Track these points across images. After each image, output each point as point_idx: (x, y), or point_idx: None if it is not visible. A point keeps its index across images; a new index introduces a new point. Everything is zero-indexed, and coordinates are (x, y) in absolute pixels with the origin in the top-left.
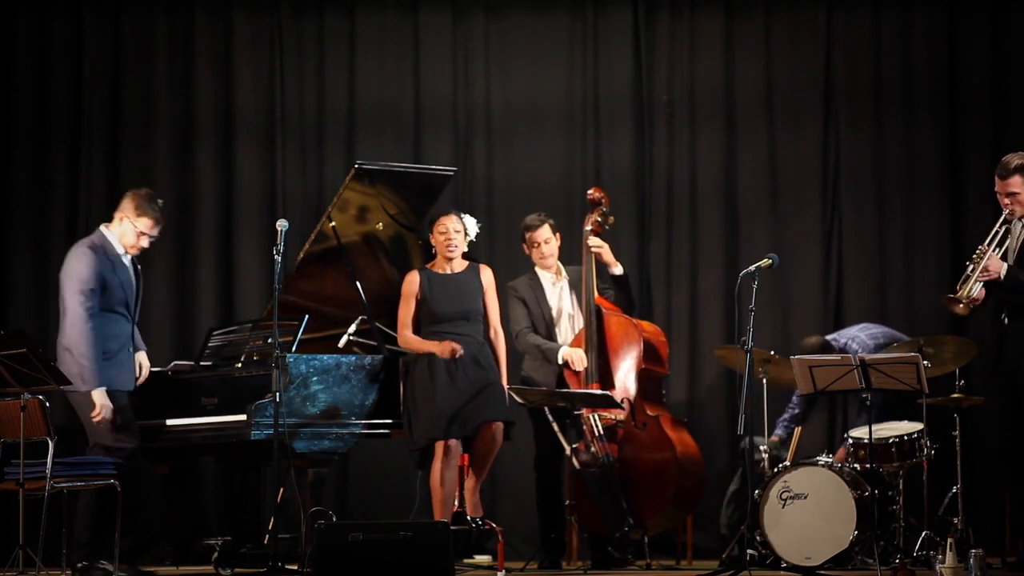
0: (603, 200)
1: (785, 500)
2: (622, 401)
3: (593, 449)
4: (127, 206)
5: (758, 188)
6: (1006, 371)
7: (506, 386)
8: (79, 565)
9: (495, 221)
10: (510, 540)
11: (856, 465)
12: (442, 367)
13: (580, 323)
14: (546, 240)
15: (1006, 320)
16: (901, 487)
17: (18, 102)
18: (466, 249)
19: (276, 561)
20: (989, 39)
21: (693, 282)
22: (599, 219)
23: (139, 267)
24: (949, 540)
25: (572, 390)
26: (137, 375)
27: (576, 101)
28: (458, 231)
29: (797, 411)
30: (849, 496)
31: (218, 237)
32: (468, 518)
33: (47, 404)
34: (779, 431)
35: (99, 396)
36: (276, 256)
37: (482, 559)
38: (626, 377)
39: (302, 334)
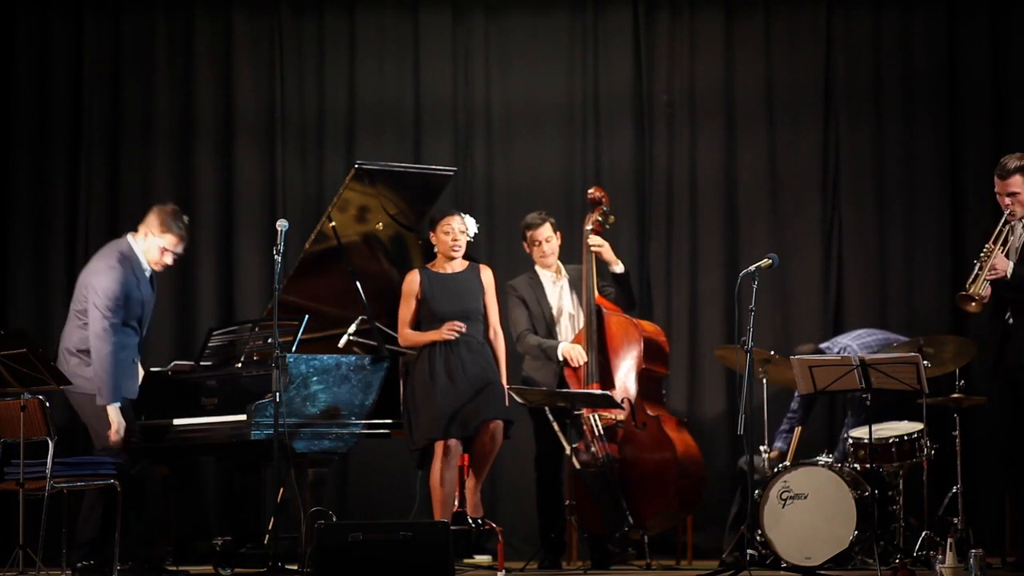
0: (603, 199)
1: (785, 500)
2: (622, 401)
3: (593, 449)
4: (152, 221)
5: (758, 188)
6: (1008, 371)
7: (506, 386)
8: (79, 565)
9: (495, 221)
10: (510, 540)
11: (856, 465)
12: (442, 367)
13: (581, 322)
14: (547, 239)
15: (1011, 320)
16: (901, 487)
17: (18, 102)
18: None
19: (276, 561)
20: (989, 39)
21: (693, 282)
22: (599, 218)
23: (155, 281)
24: (949, 540)
25: (572, 390)
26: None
27: (576, 101)
28: (463, 231)
29: (795, 420)
30: (849, 496)
31: (218, 237)
32: (468, 518)
33: (47, 404)
34: (779, 443)
35: (114, 414)
36: (276, 256)
37: (482, 559)
38: (626, 377)
39: (302, 334)
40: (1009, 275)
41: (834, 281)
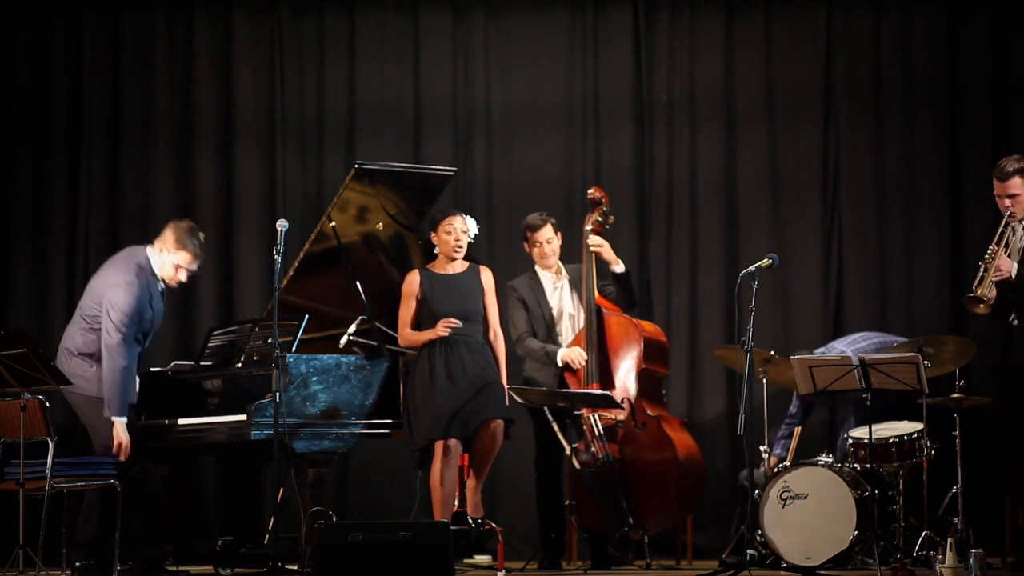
0: (603, 200)
1: (785, 500)
2: (622, 401)
3: (593, 449)
4: (168, 237)
5: (758, 188)
6: (1012, 372)
7: (506, 386)
8: (77, 564)
9: (495, 221)
10: (510, 540)
11: (856, 465)
12: (442, 367)
13: (581, 322)
14: (548, 240)
15: (1015, 322)
16: (901, 487)
17: (18, 102)
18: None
19: (276, 561)
20: (989, 39)
21: (693, 282)
22: (599, 219)
23: (165, 295)
24: (949, 540)
25: (572, 390)
26: None
27: (576, 101)
28: (465, 232)
29: (794, 424)
30: (849, 496)
31: (218, 237)
32: (468, 518)
33: (47, 404)
34: (778, 450)
35: (120, 427)
36: (276, 256)
37: (482, 559)
38: (626, 377)
39: (302, 334)
40: (1014, 276)
41: (834, 281)
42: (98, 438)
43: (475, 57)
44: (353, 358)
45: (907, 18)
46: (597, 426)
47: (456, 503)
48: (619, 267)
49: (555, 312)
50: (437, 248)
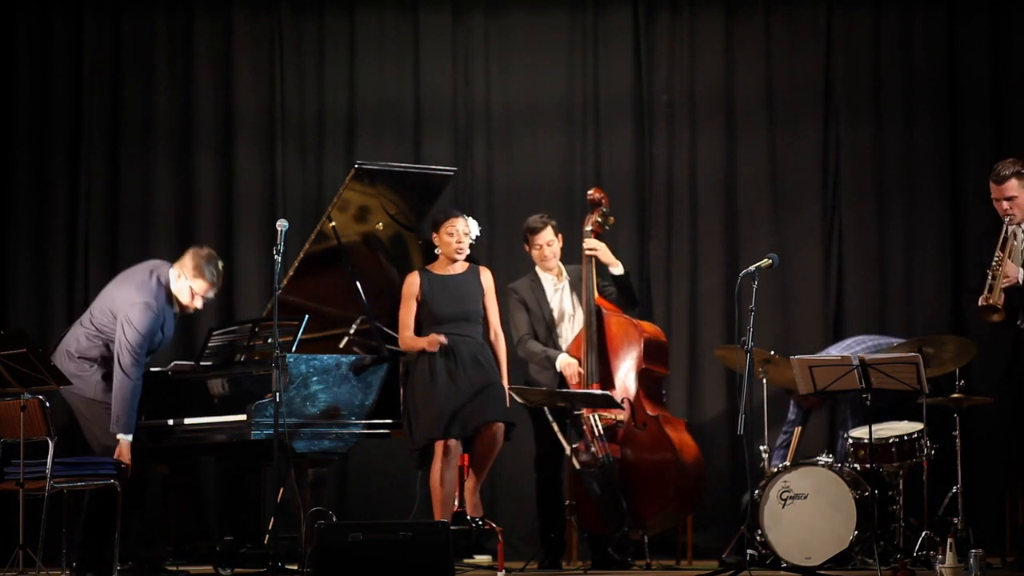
0: (603, 200)
1: (785, 500)
2: (622, 401)
3: (593, 449)
4: (187, 264)
5: (758, 188)
6: (1019, 376)
7: (507, 387)
8: (74, 564)
9: (495, 221)
10: (510, 540)
11: (856, 465)
12: (442, 367)
13: (581, 323)
14: (548, 242)
15: (1023, 326)
16: (901, 487)
17: (18, 102)
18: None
19: (276, 561)
20: (989, 39)
21: (693, 282)
22: (599, 219)
23: (176, 318)
24: (949, 540)
25: (572, 390)
26: None
27: (576, 101)
28: (467, 233)
29: (793, 427)
30: (849, 496)
31: (218, 237)
32: (468, 518)
33: (47, 404)
34: (776, 461)
35: (126, 447)
36: (276, 256)
37: (482, 559)
38: (626, 377)
39: (302, 334)
40: (1021, 281)
41: (834, 281)
42: (96, 439)
43: (475, 57)
44: (353, 358)
45: (907, 18)
46: (597, 426)
47: (456, 503)
48: (618, 268)
49: (556, 313)
50: (438, 249)
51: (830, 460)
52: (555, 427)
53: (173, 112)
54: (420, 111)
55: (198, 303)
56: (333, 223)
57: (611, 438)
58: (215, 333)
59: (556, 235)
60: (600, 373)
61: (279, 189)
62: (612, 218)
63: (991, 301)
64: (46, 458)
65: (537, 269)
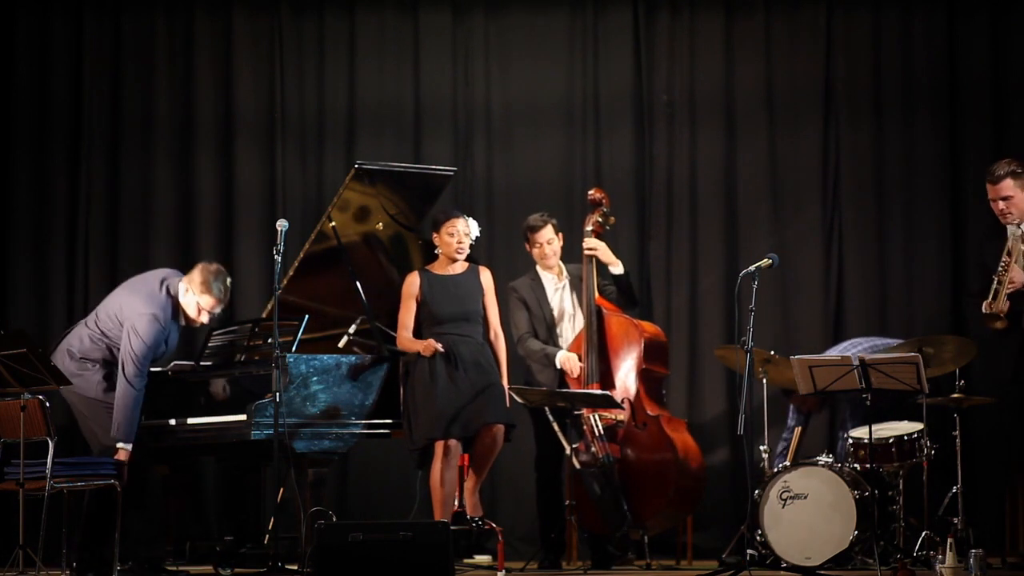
0: (603, 200)
1: (785, 500)
2: (622, 401)
3: (593, 449)
4: (195, 279)
5: (758, 188)
6: None
7: (507, 387)
8: (74, 564)
9: (495, 221)
10: (510, 540)
11: (856, 465)
12: (442, 368)
13: (581, 323)
14: (548, 241)
15: None
16: (901, 487)
17: (18, 102)
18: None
19: (276, 561)
20: (989, 39)
21: (693, 282)
22: (599, 219)
23: (179, 331)
24: (949, 540)
25: (572, 390)
26: None
27: (576, 101)
28: (467, 234)
29: (789, 440)
30: (849, 496)
31: (218, 237)
32: (468, 518)
33: (47, 404)
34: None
35: (124, 453)
36: (276, 256)
37: (482, 559)
38: (626, 377)
39: (302, 334)
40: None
41: (834, 281)
42: (95, 438)
43: (475, 57)
44: (353, 358)
45: (907, 18)
46: (597, 426)
47: (456, 503)
48: (618, 268)
49: (556, 313)
50: (438, 249)
51: (830, 460)
52: (555, 427)
53: (173, 112)
54: (420, 111)
55: (204, 318)
56: (333, 223)
57: (611, 438)
58: (215, 333)
59: (556, 233)
60: (600, 373)
61: (279, 189)
62: (612, 218)
63: (995, 308)
64: (46, 458)
65: (537, 268)
